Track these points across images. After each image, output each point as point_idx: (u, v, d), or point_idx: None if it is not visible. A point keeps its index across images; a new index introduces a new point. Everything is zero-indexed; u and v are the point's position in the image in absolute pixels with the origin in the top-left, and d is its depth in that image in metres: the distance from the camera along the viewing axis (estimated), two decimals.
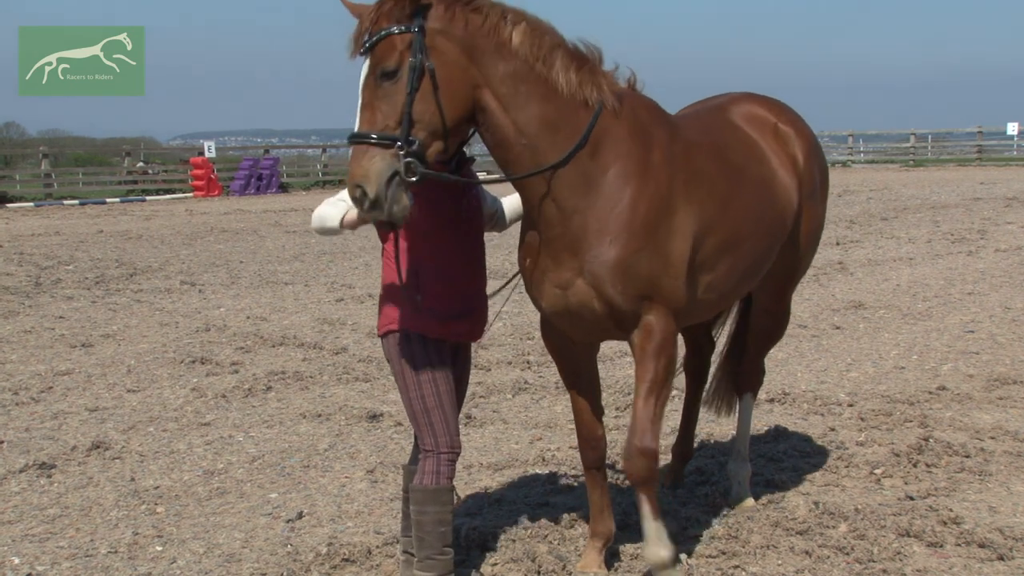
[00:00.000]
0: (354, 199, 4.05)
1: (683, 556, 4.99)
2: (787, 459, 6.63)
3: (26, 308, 12.52)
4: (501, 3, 4.31)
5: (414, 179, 3.99)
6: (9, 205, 28.05)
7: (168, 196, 32.07)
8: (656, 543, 4.59)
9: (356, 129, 4.10)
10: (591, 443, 4.95)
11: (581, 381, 4.98)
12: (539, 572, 5.00)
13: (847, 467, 6.48)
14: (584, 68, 4.40)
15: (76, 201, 30.28)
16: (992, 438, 6.92)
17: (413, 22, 4.03)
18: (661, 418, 4.60)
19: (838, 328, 11.09)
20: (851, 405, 7.84)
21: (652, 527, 4.59)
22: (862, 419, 7.49)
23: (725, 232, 4.76)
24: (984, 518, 5.49)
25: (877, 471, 6.40)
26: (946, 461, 6.48)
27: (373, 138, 4.01)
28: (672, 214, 4.50)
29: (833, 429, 7.25)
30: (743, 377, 6.09)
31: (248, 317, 11.79)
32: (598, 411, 5.05)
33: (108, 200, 30.83)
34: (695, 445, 6.49)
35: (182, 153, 40.68)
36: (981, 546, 5.21)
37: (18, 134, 72.41)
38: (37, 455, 6.96)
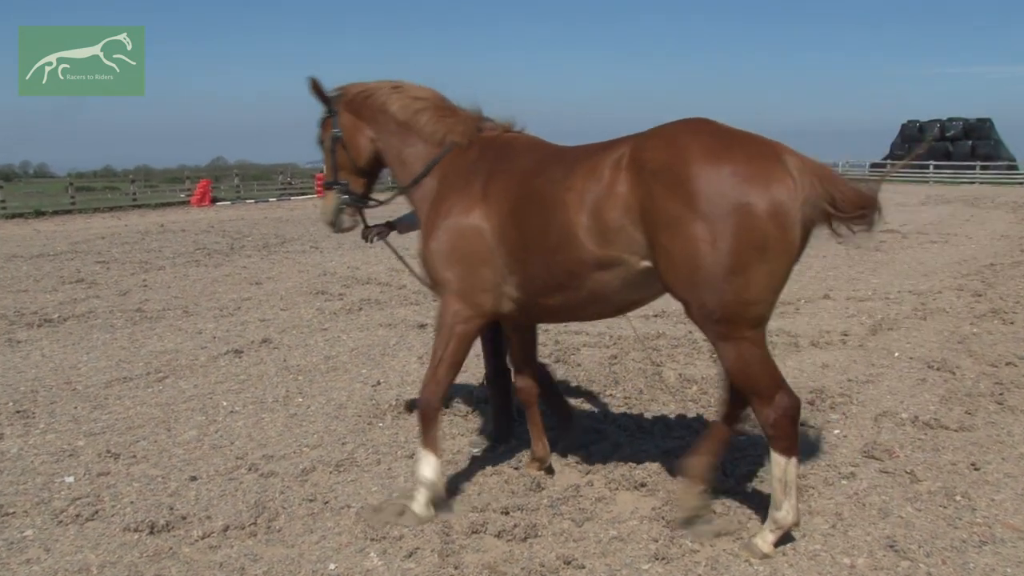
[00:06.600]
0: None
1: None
2: (663, 349, 6.43)
3: (226, 261, 12.13)
4: (389, 82, 3.68)
5: (348, 206, 3.88)
6: (217, 203, 27.39)
7: (303, 197, 31.27)
8: (424, 466, 3.48)
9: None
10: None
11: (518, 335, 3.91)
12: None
13: (698, 353, 6.29)
14: (446, 120, 3.59)
15: (252, 200, 29.50)
16: (776, 335, 6.66)
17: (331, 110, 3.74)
18: (438, 377, 3.44)
19: None
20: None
21: (421, 452, 3.51)
22: None
23: (513, 243, 3.25)
24: None
25: (714, 356, 6.19)
26: None
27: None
28: (462, 225, 3.38)
29: (691, 331, 6.95)
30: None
31: (348, 267, 11.40)
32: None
33: (270, 199, 30.05)
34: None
35: (311, 172, 39.73)
36: None
37: (223, 164, 68.84)
38: (233, 344, 6.72)
